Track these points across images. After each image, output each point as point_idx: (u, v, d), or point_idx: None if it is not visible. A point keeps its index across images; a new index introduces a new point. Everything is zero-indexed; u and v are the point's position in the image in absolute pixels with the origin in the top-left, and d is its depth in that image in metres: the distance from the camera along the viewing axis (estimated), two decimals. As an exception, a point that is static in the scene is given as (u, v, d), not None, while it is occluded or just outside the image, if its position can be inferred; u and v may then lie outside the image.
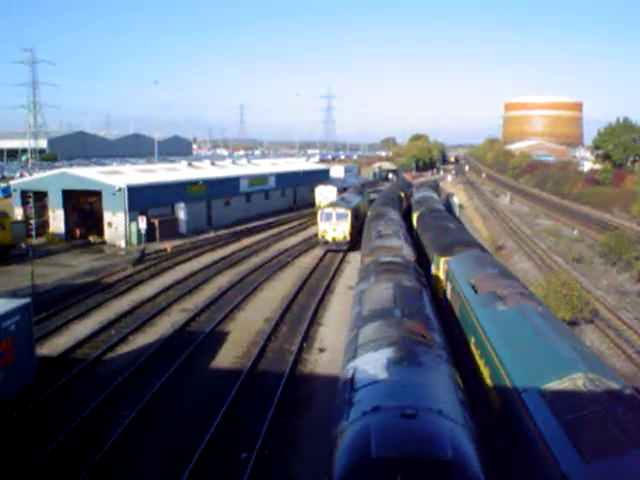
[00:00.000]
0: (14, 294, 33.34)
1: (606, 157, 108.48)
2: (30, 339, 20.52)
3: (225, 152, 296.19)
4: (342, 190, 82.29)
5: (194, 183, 64.93)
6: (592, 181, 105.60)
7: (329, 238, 50.21)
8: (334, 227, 49.93)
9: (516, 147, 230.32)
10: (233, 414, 20.68)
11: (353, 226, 51.03)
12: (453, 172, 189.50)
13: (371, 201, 72.43)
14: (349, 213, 50.54)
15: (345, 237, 50.05)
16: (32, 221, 56.61)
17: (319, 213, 51.62)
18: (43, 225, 57.68)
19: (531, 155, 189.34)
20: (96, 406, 20.82)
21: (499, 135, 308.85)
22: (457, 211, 75.33)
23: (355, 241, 51.09)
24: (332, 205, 52.76)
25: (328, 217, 50.39)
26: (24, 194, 57.81)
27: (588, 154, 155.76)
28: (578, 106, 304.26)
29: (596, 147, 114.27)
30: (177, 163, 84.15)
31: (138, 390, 22.44)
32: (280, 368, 24.64)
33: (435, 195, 66.52)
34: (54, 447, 18.01)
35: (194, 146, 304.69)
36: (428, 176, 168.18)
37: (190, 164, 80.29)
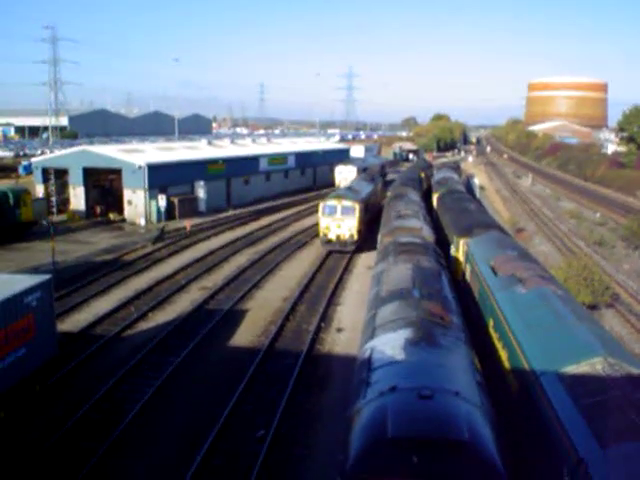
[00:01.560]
0: (35, 270, 33.74)
1: (631, 139, 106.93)
2: (51, 315, 20.75)
3: (245, 131, 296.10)
4: (362, 170, 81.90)
5: (214, 162, 64.97)
6: (616, 164, 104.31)
7: (332, 236, 41.31)
8: (338, 223, 41.11)
9: (539, 128, 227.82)
10: (251, 392, 20.83)
11: (362, 222, 42.55)
12: (474, 153, 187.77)
13: (390, 182, 72.04)
14: (357, 207, 41.42)
15: (352, 235, 41.18)
16: (53, 198, 57.04)
17: (320, 206, 42.24)
18: (64, 202, 58.17)
19: (554, 136, 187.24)
20: (115, 382, 21.09)
21: (522, 116, 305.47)
22: (478, 192, 74.75)
23: (364, 239, 43.71)
24: (337, 197, 42.73)
25: (332, 211, 41.44)
26: (45, 171, 58.24)
27: (612, 136, 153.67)
28: (603, 87, 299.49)
29: (621, 129, 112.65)
30: (197, 141, 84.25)
31: (156, 367, 22.68)
32: (298, 347, 24.74)
33: (456, 176, 65.94)
34: (75, 421, 18.30)
35: (214, 124, 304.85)
36: (449, 157, 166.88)
37: (210, 143, 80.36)
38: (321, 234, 41.81)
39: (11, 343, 18.07)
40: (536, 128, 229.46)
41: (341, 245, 41.23)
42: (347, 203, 41.57)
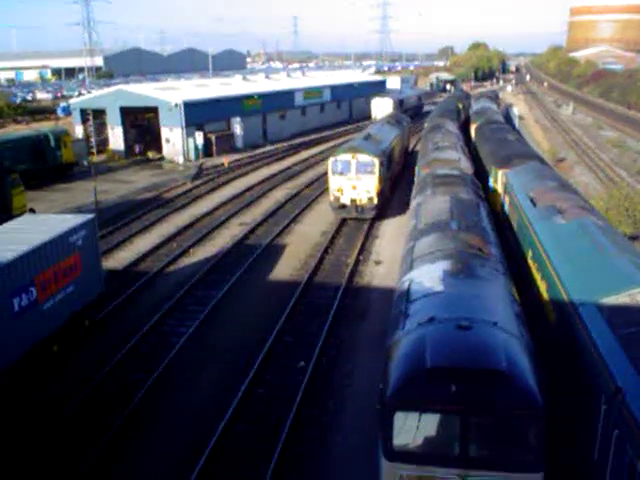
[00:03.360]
0: (79, 210, 34.47)
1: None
2: (96, 253, 21.31)
3: (279, 65, 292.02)
4: (399, 102, 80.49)
5: (249, 97, 64.57)
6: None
7: (346, 201, 33.21)
8: (354, 184, 32.90)
9: (581, 55, 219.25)
10: (292, 323, 21.31)
11: (383, 180, 34.33)
12: (513, 82, 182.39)
13: (427, 114, 70.68)
14: (377, 162, 32.91)
15: (371, 199, 33.06)
16: (92, 139, 57.65)
17: (330, 162, 33.69)
18: (103, 142, 58.76)
19: (597, 63, 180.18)
20: (161, 316, 21.76)
21: (563, 43, 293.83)
22: (517, 122, 72.92)
23: (387, 202, 36.93)
24: (351, 149, 33.84)
25: (345, 168, 33.12)
26: (83, 112, 58.69)
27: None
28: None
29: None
30: (231, 77, 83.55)
31: (200, 301, 23.29)
32: (337, 280, 25.06)
33: (494, 106, 64.40)
34: (123, 354, 19.04)
35: (248, 60, 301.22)
36: (487, 86, 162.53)
37: (244, 78, 79.65)
38: (331, 197, 33.63)
39: (60, 280, 18.70)
40: (578, 55, 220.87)
41: (357, 211, 33.42)
42: (364, 158, 32.91)
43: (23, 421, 15.92)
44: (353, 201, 33.03)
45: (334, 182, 33.26)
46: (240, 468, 14.01)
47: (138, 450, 14.78)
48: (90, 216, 21.09)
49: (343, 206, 33.28)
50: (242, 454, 14.49)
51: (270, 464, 13.69)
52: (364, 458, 13.55)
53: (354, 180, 32.77)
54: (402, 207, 35.49)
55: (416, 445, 9.96)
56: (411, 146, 59.00)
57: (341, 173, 32.97)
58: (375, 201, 33.03)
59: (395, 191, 40.74)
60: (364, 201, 32.94)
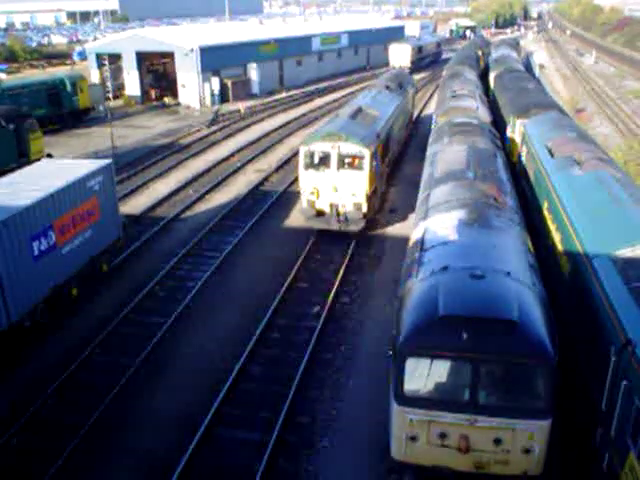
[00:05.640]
0: (95, 155, 34.59)
1: None
2: (113, 198, 21.47)
3: (297, 10, 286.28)
4: (417, 49, 78.98)
5: (265, 43, 63.66)
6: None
7: (324, 205, 23.87)
8: (335, 184, 23.42)
9: (607, 1, 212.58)
10: (306, 270, 21.58)
11: (376, 176, 24.76)
12: (535, 29, 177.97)
13: (445, 61, 69.31)
14: (367, 154, 23.08)
15: (359, 205, 23.56)
16: (108, 84, 57.32)
17: (301, 152, 23.68)
18: (119, 88, 58.43)
19: (623, 10, 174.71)
20: (177, 261, 22.07)
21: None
22: (537, 71, 71.49)
23: (380, 208, 27.41)
24: (332, 135, 23.32)
25: (323, 161, 23.51)
26: (99, 57, 58.21)
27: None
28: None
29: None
30: (248, 22, 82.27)
31: (215, 246, 23.62)
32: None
33: (514, 54, 62.99)
34: (141, 297, 19.41)
35: (265, 3, 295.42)
36: (508, 33, 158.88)
37: (261, 22, 78.38)
38: (304, 201, 24.09)
39: (78, 225, 18.92)
40: (603, 1, 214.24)
41: (340, 222, 23.82)
42: (350, 148, 23.17)
43: (44, 361, 16.38)
44: (333, 207, 23.74)
45: (307, 180, 23.75)
46: (255, 409, 14.41)
47: (158, 389, 15.21)
48: (107, 161, 21.18)
49: (320, 213, 24.03)
50: (257, 397, 14.88)
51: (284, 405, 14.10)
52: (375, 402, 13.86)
53: (335, 178, 23.42)
54: (407, 200, 27.22)
55: (427, 391, 10.18)
56: (422, 104, 55.13)
57: (317, 168, 23.55)
58: (364, 208, 23.60)
59: (392, 180, 31.42)
60: (349, 207, 23.62)
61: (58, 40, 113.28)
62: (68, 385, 15.23)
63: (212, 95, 54.45)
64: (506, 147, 27.53)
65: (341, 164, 23.26)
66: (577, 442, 12.06)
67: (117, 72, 58.30)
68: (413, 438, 10.38)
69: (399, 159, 34.84)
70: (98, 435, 13.52)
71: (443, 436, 10.22)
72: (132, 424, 14.01)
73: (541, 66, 78.23)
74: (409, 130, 40.03)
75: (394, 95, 33.76)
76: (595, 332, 11.26)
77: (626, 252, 11.95)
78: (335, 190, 23.44)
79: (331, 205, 23.66)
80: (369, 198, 23.63)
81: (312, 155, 23.43)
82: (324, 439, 13.45)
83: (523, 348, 9.66)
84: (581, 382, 12.18)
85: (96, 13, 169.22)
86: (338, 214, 23.67)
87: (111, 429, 13.78)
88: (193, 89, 54.45)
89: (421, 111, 51.61)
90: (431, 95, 58.94)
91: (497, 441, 10.04)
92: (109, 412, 14.20)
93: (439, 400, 10.14)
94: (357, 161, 23.23)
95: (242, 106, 51.53)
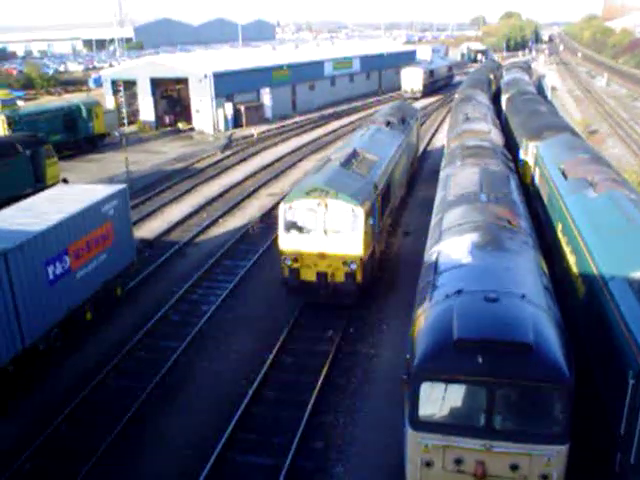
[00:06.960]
0: (110, 180, 34.91)
1: None
2: (127, 222, 21.62)
3: (309, 36, 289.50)
4: (429, 72, 79.36)
5: (278, 68, 64.29)
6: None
7: (309, 275, 19.45)
8: (322, 249, 19.03)
9: (617, 24, 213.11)
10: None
11: (370, 239, 19.67)
12: (546, 52, 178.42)
13: (457, 85, 69.55)
14: (362, 213, 18.71)
15: (353, 275, 19.08)
16: (123, 110, 58.00)
17: (281, 210, 19.31)
18: (134, 113, 59.11)
19: (634, 32, 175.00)
20: (191, 285, 22.10)
21: (599, 11, 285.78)
22: (549, 94, 71.54)
23: (377, 278, 22.05)
24: (318, 191, 18.90)
25: (308, 222, 19.11)
26: (114, 83, 59.00)
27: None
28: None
29: None
30: (261, 48, 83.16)
31: (228, 271, 23.64)
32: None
33: (526, 77, 63.14)
34: (155, 321, 19.44)
35: (277, 30, 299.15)
36: (519, 56, 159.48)
37: (274, 49, 79.21)
38: (284, 270, 19.67)
39: (93, 249, 19.04)
40: (614, 24, 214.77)
41: (328, 294, 19.49)
42: (341, 206, 18.73)
43: (57, 386, 16.40)
44: (322, 277, 19.24)
45: (287, 244, 19.33)
46: (269, 434, 14.31)
47: (170, 414, 15.17)
48: (122, 186, 21.36)
49: (305, 283, 19.53)
50: (270, 421, 14.78)
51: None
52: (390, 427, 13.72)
53: (322, 243, 18.98)
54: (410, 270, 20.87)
55: (442, 415, 10.06)
56: (428, 136, 51.70)
57: (300, 230, 19.15)
58: (359, 277, 19.14)
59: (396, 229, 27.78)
60: (340, 278, 19.20)
61: (74, 67, 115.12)
62: (82, 408, 15.22)
63: (225, 120, 54.93)
64: (519, 169, 27.48)
65: (329, 224, 18.79)
66: (596, 467, 11.85)
67: (132, 98, 59.03)
68: (428, 464, 10.24)
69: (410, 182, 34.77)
70: (112, 460, 13.46)
71: (459, 462, 10.07)
72: (146, 448, 13.96)
73: (553, 88, 78.31)
74: (415, 167, 36.76)
75: (395, 132, 29.41)
76: (612, 355, 11.11)
77: (642, 274, 11.84)
78: (323, 258, 19.07)
79: (319, 274, 19.22)
80: (364, 264, 19.17)
81: (294, 214, 19.06)
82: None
83: (539, 372, 9.53)
84: (598, 406, 12.00)
85: (112, 41, 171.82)
86: (327, 286, 19.27)
87: (126, 454, 13.73)
88: (207, 114, 54.98)
89: (433, 135, 51.67)
90: (443, 119, 59.06)
91: (514, 467, 9.87)
92: (123, 436, 14.16)
93: (454, 425, 10.01)
94: (349, 222, 18.71)
95: (255, 131, 51.92)
